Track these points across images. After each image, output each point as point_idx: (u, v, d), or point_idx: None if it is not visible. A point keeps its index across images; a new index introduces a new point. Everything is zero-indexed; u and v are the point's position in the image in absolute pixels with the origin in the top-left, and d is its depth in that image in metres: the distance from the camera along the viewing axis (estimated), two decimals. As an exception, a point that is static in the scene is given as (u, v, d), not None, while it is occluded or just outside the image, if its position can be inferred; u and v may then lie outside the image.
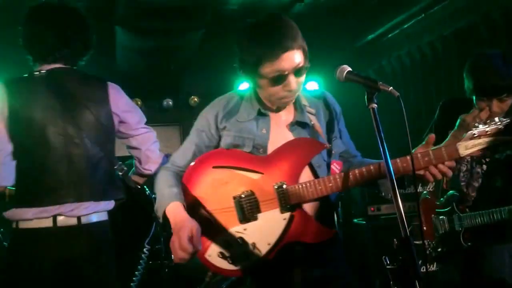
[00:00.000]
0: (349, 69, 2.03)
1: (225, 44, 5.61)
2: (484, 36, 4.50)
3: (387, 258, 4.19)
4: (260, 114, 2.14)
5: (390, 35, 5.61)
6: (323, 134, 2.13)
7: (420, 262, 1.75)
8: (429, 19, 5.00)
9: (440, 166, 1.96)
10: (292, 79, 1.98)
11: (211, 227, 2.04)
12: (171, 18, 4.75)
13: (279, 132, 2.13)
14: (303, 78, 2.05)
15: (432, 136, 2.01)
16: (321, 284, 2.09)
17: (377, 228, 4.58)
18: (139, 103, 6.39)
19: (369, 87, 1.92)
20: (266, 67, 1.97)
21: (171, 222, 2.03)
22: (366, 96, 1.92)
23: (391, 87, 1.91)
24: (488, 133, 1.94)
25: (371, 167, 1.99)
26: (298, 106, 2.15)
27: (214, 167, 2.09)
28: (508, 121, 1.93)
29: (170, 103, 6.51)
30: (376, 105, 1.88)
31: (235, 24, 5.12)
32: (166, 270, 4.29)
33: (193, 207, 2.06)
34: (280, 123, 2.15)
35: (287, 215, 2.00)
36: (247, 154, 2.09)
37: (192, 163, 2.12)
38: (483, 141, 1.95)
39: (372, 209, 4.59)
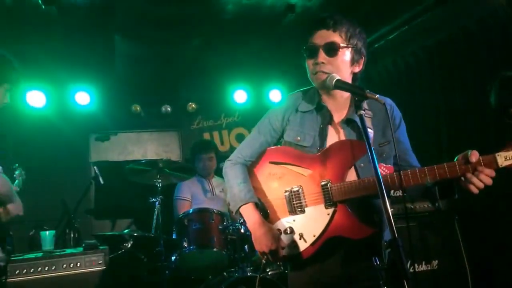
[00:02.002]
0: (338, 77, 2.15)
1: (222, 52, 5.74)
2: (462, 47, 4.66)
3: (377, 258, 4.27)
4: (319, 105, 2.32)
5: (376, 45, 5.72)
6: (371, 137, 2.21)
7: (408, 263, 1.79)
8: (412, 30, 5.11)
9: (482, 176, 1.95)
10: (320, 52, 2.19)
11: (266, 216, 2.27)
12: (169, 26, 4.82)
13: (334, 128, 2.30)
14: (336, 58, 2.21)
15: (476, 152, 1.98)
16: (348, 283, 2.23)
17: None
18: (138, 109, 6.46)
19: (357, 94, 2.04)
20: (307, 41, 2.24)
21: (247, 223, 2.30)
22: (354, 103, 2.05)
23: (378, 95, 2.02)
24: None
25: (418, 171, 2.06)
26: (353, 104, 2.28)
27: (270, 162, 2.33)
28: None
29: (169, 109, 6.57)
30: (364, 112, 2.01)
31: (230, 32, 5.23)
32: (167, 272, 4.36)
33: (259, 193, 2.32)
34: (336, 118, 2.31)
35: (330, 210, 2.18)
36: (300, 152, 2.28)
37: (254, 159, 2.39)
38: None
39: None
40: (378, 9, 4.95)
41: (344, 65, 2.24)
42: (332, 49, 2.20)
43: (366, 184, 2.12)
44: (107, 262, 4.26)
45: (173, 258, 4.26)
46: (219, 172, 5.46)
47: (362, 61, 2.32)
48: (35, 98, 5.91)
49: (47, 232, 4.40)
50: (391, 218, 1.78)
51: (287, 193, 2.27)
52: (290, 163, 2.28)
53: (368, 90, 2.04)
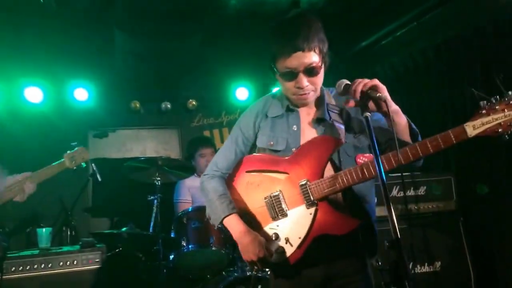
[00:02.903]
0: (347, 82, 2.14)
1: (223, 49, 5.69)
2: (473, 45, 4.58)
3: (378, 259, 4.25)
4: (289, 110, 2.33)
5: (383, 42, 5.66)
6: (343, 132, 2.22)
7: (410, 263, 1.79)
8: (421, 27, 5.05)
9: (356, 86, 2.00)
10: (302, 77, 2.16)
11: (250, 226, 2.25)
12: (170, 21, 4.77)
13: (308, 128, 2.30)
14: (317, 77, 2.20)
15: None
16: (340, 281, 2.23)
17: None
18: (137, 105, 6.41)
19: (362, 95, 2.03)
20: (279, 64, 2.17)
21: (232, 233, 2.29)
22: (360, 105, 2.04)
23: (379, 93, 2.02)
24: (498, 108, 1.84)
25: (391, 155, 2.04)
26: (320, 103, 2.31)
27: (247, 172, 2.34)
28: None
29: (169, 106, 6.52)
30: (370, 114, 1.97)
31: (232, 28, 5.17)
32: (165, 271, 4.31)
33: (239, 204, 2.32)
34: (307, 119, 2.32)
35: (312, 209, 2.16)
36: (274, 157, 2.29)
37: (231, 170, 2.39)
38: (492, 118, 1.86)
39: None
40: (386, 4, 4.89)
41: (321, 79, 2.26)
42: (312, 71, 2.17)
43: (344, 176, 2.10)
44: (104, 260, 4.24)
45: (171, 257, 4.22)
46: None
47: (327, 62, 2.29)
48: (33, 94, 5.87)
49: (44, 230, 4.39)
50: (394, 218, 1.76)
51: (267, 199, 2.26)
52: (266, 169, 2.29)
53: (370, 90, 2.05)
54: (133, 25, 4.89)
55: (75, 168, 3.53)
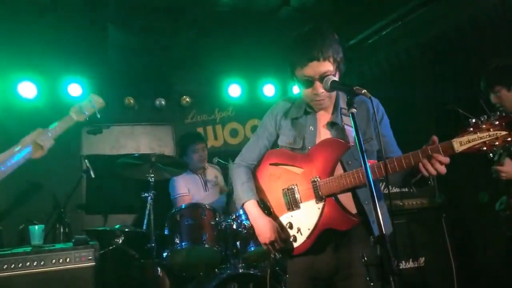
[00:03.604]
0: (334, 78, 2.33)
1: (217, 45, 5.67)
2: (455, 44, 4.67)
3: (364, 254, 4.26)
4: (307, 112, 2.56)
5: (369, 41, 5.69)
6: (352, 135, 2.35)
7: (395, 259, 1.82)
8: (405, 26, 5.11)
9: (434, 162, 2.09)
10: (318, 85, 2.38)
11: (269, 213, 2.54)
12: (163, 17, 4.76)
13: (323, 130, 2.53)
14: None
15: (435, 138, 2.12)
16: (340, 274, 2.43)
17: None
18: (132, 102, 6.39)
19: (349, 92, 2.15)
20: (297, 72, 2.40)
21: (249, 218, 2.59)
22: (346, 102, 2.15)
23: (364, 90, 2.11)
24: (483, 127, 1.94)
25: (394, 159, 2.20)
26: (335, 107, 2.53)
27: (270, 164, 2.62)
28: (506, 115, 1.93)
29: (163, 102, 6.49)
30: (355, 110, 2.09)
31: (225, 25, 5.16)
32: (158, 268, 4.31)
33: (262, 194, 2.61)
34: (323, 121, 2.54)
35: (321, 205, 2.40)
36: (293, 153, 2.54)
37: (257, 162, 2.68)
38: (478, 136, 1.96)
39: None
40: (373, 4, 4.92)
41: None
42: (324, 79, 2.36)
43: (348, 177, 2.31)
44: (98, 258, 4.22)
45: (164, 254, 4.23)
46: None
47: (341, 72, 2.50)
48: (26, 89, 5.82)
49: (37, 227, 4.36)
50: (379, 215, 1.87)
51: (284, 191, 2.52)
52: (286, 163, 2.53)
53: (356, 86, 2.15)
54: (126, 21, 4.87)
55: (87, 118, 3.29)
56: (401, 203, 4.49)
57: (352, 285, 2.38)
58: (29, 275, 3.98)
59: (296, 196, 2.48)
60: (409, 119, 4.86)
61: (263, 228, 2.50)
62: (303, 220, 2.44)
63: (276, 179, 2.56)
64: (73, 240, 4.32)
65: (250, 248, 4.16)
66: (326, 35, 2.39)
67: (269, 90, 6.74)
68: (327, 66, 2.35)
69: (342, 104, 2.51)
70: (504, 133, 1.90)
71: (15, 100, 5.83)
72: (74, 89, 6.04)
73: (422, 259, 4.41)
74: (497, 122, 1.93)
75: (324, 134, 2.51)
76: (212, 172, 5.34)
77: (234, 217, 4.26)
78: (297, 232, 2.46)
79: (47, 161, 5.66)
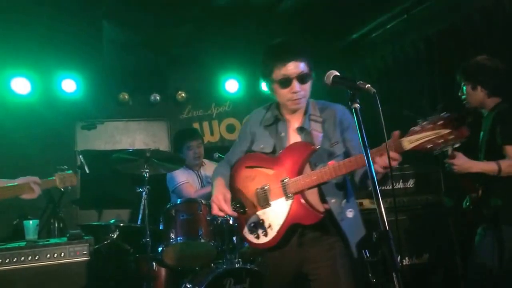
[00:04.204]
0: (336, 73, 2.30)
1: (214, 40, 5.66)
2: (465, 37, 4.58)
3: (367, 251, 4.27)
4: (278, 119, 2.77)
5: (374, 35, 5.65)
6: (320, 139, 2.62)
7: (398, 256, 1.83)
8: (412, 19, 5.06)
9: (384, 157, 2.21)
10: (295, 83, 2.57)
11: (246, 212, 2.73)
12: (159, 12, 4.74)
13: (293, 135, 2.72)
14: (307, 85, 2.61)
15: (397, 132, 2.22)
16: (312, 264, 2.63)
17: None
18: (126, 97, 6.37)
19: (351, 87, 2.15)
20: (276, 73, 2.58)
21: (213, 188, 2.81)
22: (349, 97, 2.15)
23: (368, 85, 2.12)
24: (428, 127, 2.08)
25: (347, 160, 2.40)
26: (305, 114, 2.71)
27: (246, 167, 2.79)
28: (447, 115, 2.05)
29: (158, 98, 6.47)
30: (358, 105, 2.11)
31: (222, 20, 5.14)
32: (153, 263, 4.30)
33: (234, 195, 2.78)
34: (293, 127, 2.74)
35: (289, 202, 2.58)
36: (266, 156, 2.74)
37: (234, 164, 2.88)
38: (424, 135, 2.09)
39: (354, 203, 4.63)
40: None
41: (310, 87, 2.64)
42: (303, 78, 2.58)
43: (312, 175, 2.50)
44: (92, 252, 4.22)
45: (159, 249, 4.21)
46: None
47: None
48: (20, 85, 5.81)
49: (31, 222, 4.35)
50: (383, 210, 1.89)
51: (257, 190, 2.70)
52: (260, 165, 2.73)
53: (360, 81, 2.15)
54: (121, 16, 4.85)
55: (62, 189, 3.69)
56: (405, 199, 4.47)
57: (320, 276, 2.58)
58: (23, 269, 3.98)
59: (268, 195, 2.66)
60: (414, 113, 4.83)
61: (215, 192, 2.75)
62: (274, 217, 2.63)
63: (251, 180, 2.74)
64: (68, 235, 4.32)
65: (247, 243, 4.14)
66: (302, 43, 2.66)
67: (267, 85, 6.72)
68: (304, 68, 2.56)
69: (312, 111, 2.70)
70: (446, 131, 2.03)
71: (8, 96, 5.81)
72: (68, 85, 6.02)
73: (426, 256, 4.40)
74: (440, 122, 2.05)
75: (294, 138, 2.70)
76: (211, 168, 5.30)
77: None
78: (268, 227, 2.64)
79: (42, 156, 5.71)
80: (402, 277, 1.79)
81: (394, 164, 2.22)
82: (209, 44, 5.71)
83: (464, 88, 3.53)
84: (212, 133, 6.85)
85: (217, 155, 5.03)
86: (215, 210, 2.71)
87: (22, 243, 4.17)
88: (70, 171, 3.68)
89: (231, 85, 6.66)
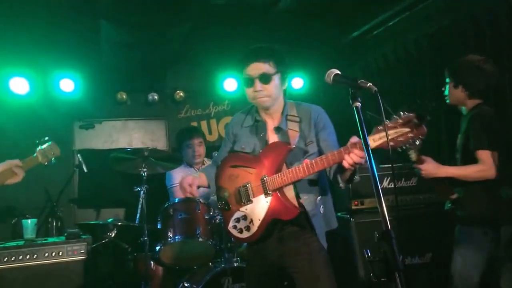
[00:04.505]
0: (336, 72, 2.33)
1: (212, 39, 5.65)
2: (468, 34, 4.55)
3: (368, 251, 4.26)
4: (257, 121, 2.96)
5: (375, 32, 5.62)
6: (296, 138, 2.80)
7: (400, 255, 1.83)
8: (414, 16, 5.03)
9: (351, 155, 2.36)
10: (257, 82, 2.79)
11: (230, 208, 2.88)
12: (157, 11, 4.73)
13: (272, 135, 2.90)
14: (269, 85, 2.80)
15: (354, 137, 2.35)
16: (290, 257, 2.80)
17: (360, 221, 4.62)
18: (124, 96, 6.36)
19: (352, 86, 2.17)
20: (244, 73, 2.85)
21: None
22: (350, 96, 2.15)
23: (370, 83, 2.14)
24: (390, 126, 2.18)
25: (319, 159, 2.53)
26: (282, 114, 2.90)
27: (230, 166, 2.94)
28: (407, 114, 2.16)
29: (156, 97, 6.46)
30: (359, 104, 2.12)
31: (220, 18, 5.13)
32: (151, 262, 4.30)
33: (220, 193, 2.95)
34: (271, 127, 2.92)
35: (268, 198, 2.74)
36: (248, 156, 2.90)
37: (220, 164, 3.04)
38: (387, 134, 2.18)
39: (355, 203, 4.62)
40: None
41: (275, 88, 2.82)
42: (265, 78, 2.78)
43: (288, 173, 2.64)
44: (90, 251, 4.23)
45: (157, 248, 4.21)
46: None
47: (287, 79, 2.92)
48: (18, 85, 5.78)
49: (29, 221, 4.37)
50: (385, 210, 1.90)
51: (240, 188, 2.85)
52: (243, 165, 2.88)
53: (361, 80, 2.16)
54: (119, 15, 4.83)
55: (46, 164, 3.52)
56: (407, 198, 4.45)
57: (299, 268, 2.75)
58: (21, 268, 4.00)
59: (249, 192, 2.80)
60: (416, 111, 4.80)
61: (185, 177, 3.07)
62: (255, 212, 2.78)
63: (235, 178, 2.89)
64: (66, 234, 4.32)
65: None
66: (274, 48, 2.87)
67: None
68: (266, 68, 2.78)
69: (289, 111, 2.89)
70: (406, 130, 2.15)
71: (7, 96, 5.80)
72: (67, 85, 6.01)
73: (429, 255, 4.38)
74: (401, 121, 2.16)
75: (272, 138, 2.88)
76: None
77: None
78: (250, 223, 2.78)
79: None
80: (405, 277, 1.78)
81: (361, 161, 2.35)
82: (207, 42, 5.70)
83: (447, 85, 3.55)
84: (210, 132, 6.84)
85: (215, 154, 5.02)
86: (182, 192, 3.03)
87: (20, 242, 4.18)
88: (50, 142, 3.53)
89: (230, 84, 6.65)
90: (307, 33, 5.50)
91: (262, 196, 2.75)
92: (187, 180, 3.01)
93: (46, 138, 3.57)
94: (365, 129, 2.07)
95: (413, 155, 3.32)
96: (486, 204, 3.29)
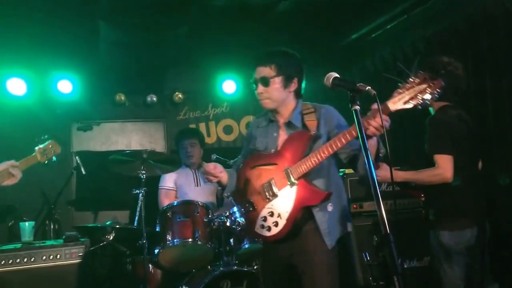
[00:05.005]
0: (335, 75, 2.34)
1: (210, 41, 5.64)
2: (465, 38, 4.56)
3: (367, 254, 4.25)
4: (271, 121, 3.06)
5: (373, 35, 5.63)
6: (314, 127, 2.84)
7: (399, 259, 1.83)
8: (411, 20, 5.06)
9: (377, 120, 2.37)
10: (259, 86, 2.91)
11: (255, 209, 2.88)
12: (156, 12, 4.72)
13: (281, 133, 2.98)
14: (269, 88, 2.89)
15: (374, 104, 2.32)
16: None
17: (359, 225, 4.62)
18: (122, 98, 6.34)
19: (351, 89, 2.18)
20: (252, 77, 2.97)
21: None
22: (349, 99, 2.17)
23: (368, 87, 2.15)
24: (408, 87, 2.29)
25: (341, 134, 2.56)
26: (294, 112, 2.96)
27: (250, 168, 3.00)
28: (421, 73, 2.28)
29: (154, 99, 6.44)
30: (358, 107, 2.14)
31: (219, 20, 5.12)
32: (150, 265, 4.27)
33: (243, 196, 2.99)
34: (283, 126, 2.99)
35: (294, 188, 2.76)
36: (267, 154, 2.97)
37: (240, 166, 3.13)
38: (405, 94, 2.31)
39: (354, 206, 4.62)
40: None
41: (277, 90, 2.90)
42: (264, 81, 2.89)
43: (312, 157, 2.68)
44: (88, 254, 4.20)
45: (156, 251, 4.17)
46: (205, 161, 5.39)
47: (295, 81, 2.95)
48: (16, 86, 5.77)
49: (27, 223, 4.34)
50: (384, 214, 1.91)
51: (263, 185, 2.87)
52: (263, 163, 2.93)
53: (360, 83, 2.18)
54: (118, 16, 4.82)
55: (46, 162, 3.49)
56: (406, 201, 4.44)
57: (300, 268, 2.80)
58: (19, 271, 3.97)
59: (273, 187, 2.82)
60: (414, 115, 4.81)
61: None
62: (282, 205, 2.77)
63: (257, 178, 2.93)
64: (64, 236, 4.30)
65: (244, 245, 4.11)
66: (281, 51, 2.97)
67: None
68: (267, 72, 2.88)
69: (307, 109, 2.95)
70: (423, 86, 2.26)
71: (4, 97, 5.78)
72: (64, 86, 5.98)
73: (427, 259, 4.36)
74: (417, 80, 2.28)
75: (282, 136, 2.96)
76: None
77: (227, 214, 4.21)
78: (278, 217, 2.77)
79: (37, 158, 5.66)
80: (403, 281, 1.79)
81: (386, 125, 2.36)
82: (206, 44, 5.69)
83: None
84: (209, 135, 6.82)
85: (214, 157, 5.00)
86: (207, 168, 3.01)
87: (18, 245, 4.14)
88: (50, 140, 3.50)
89: (229, 86, 6.63)
90: (305, 35, 5.50)
91: (287, 187, 2.76)
92: (209, 165, 3.02)
93: (46, 137, 3.54)
94: (364, 133, 2.09)
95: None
96: (448, 207, 3.30)
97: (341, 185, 3.00)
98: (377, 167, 3.20)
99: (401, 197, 4.47)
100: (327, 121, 2.89)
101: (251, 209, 2.90)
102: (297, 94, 3.01)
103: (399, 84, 2.30)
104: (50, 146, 3.48)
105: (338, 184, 2.97)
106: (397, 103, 2.34)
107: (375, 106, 2.32)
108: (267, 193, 2.84)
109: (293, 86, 2.95)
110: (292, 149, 2.81)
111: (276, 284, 3.01)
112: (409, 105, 2.31)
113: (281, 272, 2.95)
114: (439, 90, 2.24)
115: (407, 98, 2.30)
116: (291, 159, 2.79)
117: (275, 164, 2.86)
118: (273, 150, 2.94)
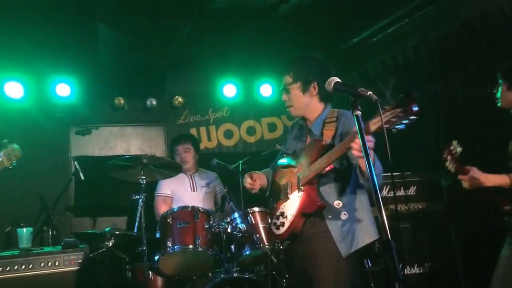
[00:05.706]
0: (337, 80, 2.39)
1: (211, 44, 5.61)
2: (466, 42, 4.56)
3: (368, 260, 4.23)
4: (301, 126, 3.14)
5: (374, 39, 5.63)
6: (330, 136, 2.85)
7: (400, 265, 1.79)
8: (412, 24, 5.05)
9: (357, 141, 2.30)
10: (283, 94, 3.05)
11: (274, 206, 3.05)
12: (156, 15, 4.69)
13: (308, 138, 3.04)
14: (290, 95, 3.00)
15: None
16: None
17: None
18: (122, 102, 6.29)
19: (353, 94, 2.20)
20: None
21: None
22: (350, 104, 2.19)
23: (370, 92, 2.16)
24: (387, 108, 2.20)
25: (340, 145, 2.58)
26: (317, 119, 2.99)
27: (281, 167, 3.14)
28: (401, 96, 2.17)
29: (154, 102, 6.39)
30: (360, 112, 2.16)
31: (220, 23, 5.09)
32: (149, 272, 4.22)
33: (272, 192, 3.19)
34: (308, 131, 3.06)
35: (300, 193, 2.85)
36: (295, 157, 3.04)
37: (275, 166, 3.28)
38: (383, 116, 2.22)
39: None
40: (377, 1, 4.85)
41: (297, 96, 2.97)
42: (285, 89, 3.02)
43: (314, 165, 2.75)
44: (87, 261, 4.16)
45: (156, 258, 4.14)
46: (205, 166, 5.34)
47: (314, 85, 2.94)
48: (13, 89, 5.70)
49: (25, 229, 4.31)
50: (385, 220, 1.89)
51: (282, 186, 3.04)
52: (290, 165, 3.04)
53: (361, 88, 2.20)
54: (117, 19, 4.79)
55: (10, 167, 3.46)
56: (406, 207, 4.41)
57: (311, 274, 2.82)
58: (17, 278, 3.95)
59: (288, 189, 2.96)
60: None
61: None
62: (289, 208, 2.89)
63: (281, 178, 3.10)
64: (62, 243, 4.26)
65: (245, 252, 4.11)
66: (296, 56, 3.09)
67: (266, 90, 6.58)
68: (286, 80, 3.00)
69: (328, 115, 2.95)
70: (399, 110, 2.17)
71: (1, 101, 5.72)
72: (63, 89, 5.93)
73: (428, 265, 4.34)
74: (394, 104, 2.19)
75: (308, 141, 3.05)
76: (205, 178, 5.24)
77: (229, 220, 4.20)
78: (285, 218, 2.90)
79: (35, 163, 5.62)
80: (405, 287, 1.77)
81: (371, 145, 2.34)
82: (206, 48, 5.66)
83: (500, 87, 3.35)
84: (209, 139, 6.77)
85: (215, 161, 4.97)
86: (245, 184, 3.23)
87: (16, 252, 4.11)
88: (12, 144, 3.48)
89: (229, 90, 6.58)
90: (306, 39, 5.48)
91: (296, 191, 2.87)
92: (247, 179, 3.19)
93: (5, 141, 3.50)
94: (365, 138, 2.10)
95: (450, 167, 3.26)
96: None
97: (362, 194, 2.90)
98: (466, 172, 3.20)
99: (402, 203, 4.43)
100: (342, 130, 2.85)
101: (274, 205, 3.07)
102: (322, 98, 2.99)
103: (384, 108, 2.21)
104: (13, 150, 3.45)
105: (357, 193, 2.89)
106: (375, 124, 2.29)
107: (355, 128, 2.29)
108: (283, 194, 2.99)
109: (314, 90, 2.95)
110: (307, 155, 2.89)
111: (295, 277, 3.09)
112: (383, 127, 2.22)
113: (296, 267, 3.01)
114: (411, 116, 2.15)
115: (383, 119, 2.22)
116: (304, 165, 2.88)
117: (296, 167, 2.97)
118: (298, 152, 3.05)
